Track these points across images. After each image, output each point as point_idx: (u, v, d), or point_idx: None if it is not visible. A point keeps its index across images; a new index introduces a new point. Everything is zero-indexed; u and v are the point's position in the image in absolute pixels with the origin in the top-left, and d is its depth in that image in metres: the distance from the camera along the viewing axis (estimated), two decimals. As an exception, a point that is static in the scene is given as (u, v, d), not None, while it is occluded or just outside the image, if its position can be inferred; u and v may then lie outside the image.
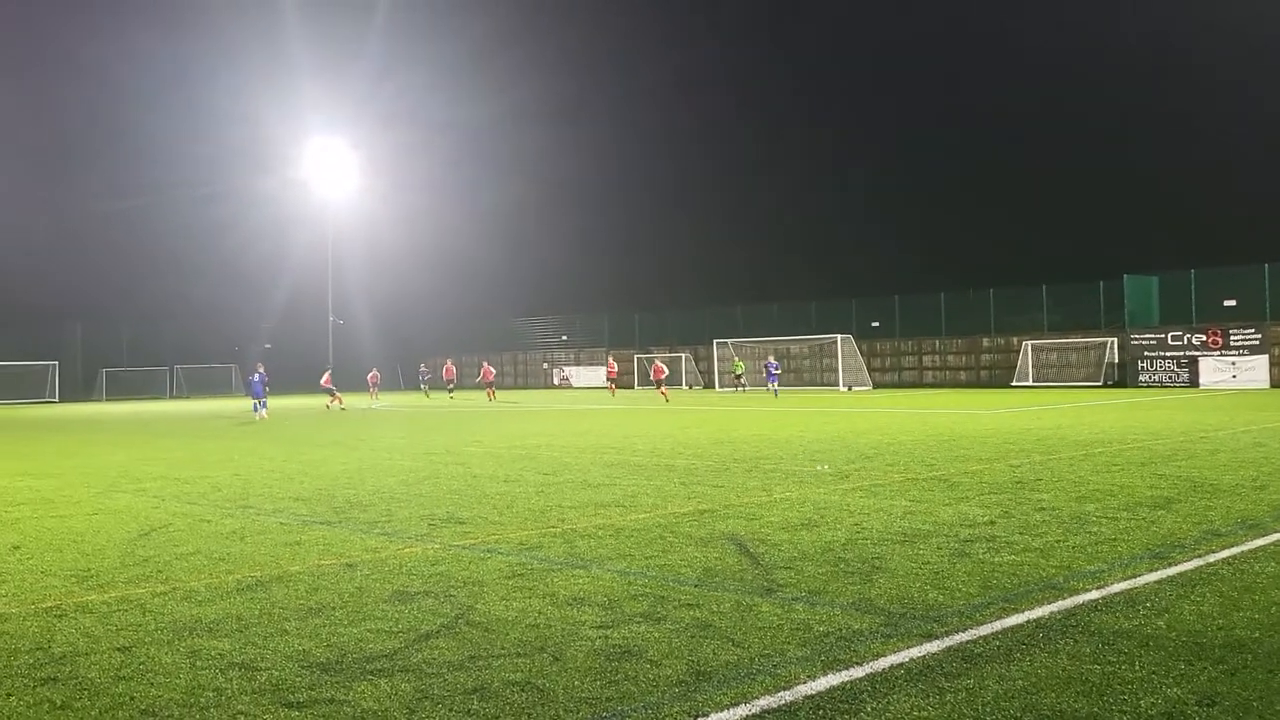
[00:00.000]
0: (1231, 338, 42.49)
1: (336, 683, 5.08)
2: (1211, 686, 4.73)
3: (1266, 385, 40.85)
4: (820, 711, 4.53)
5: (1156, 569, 7.11)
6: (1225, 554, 7.57)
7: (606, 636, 5.76)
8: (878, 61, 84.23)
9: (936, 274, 58.77)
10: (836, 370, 51.80)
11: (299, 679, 5.16)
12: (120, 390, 65.12)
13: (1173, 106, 65.94)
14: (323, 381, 42.10)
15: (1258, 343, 41.84)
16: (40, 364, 63.55)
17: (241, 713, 4.71)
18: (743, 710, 4.56)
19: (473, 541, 8.82)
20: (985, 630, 5.69)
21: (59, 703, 4.89)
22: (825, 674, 5.00)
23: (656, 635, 5.75)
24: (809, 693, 4.75)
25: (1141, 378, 44.42)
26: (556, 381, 67.32)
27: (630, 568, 7.59)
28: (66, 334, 67.33)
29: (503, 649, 5.57)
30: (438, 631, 5.95)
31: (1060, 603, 6.25)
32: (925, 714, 4.46)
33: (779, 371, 46.46)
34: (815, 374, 54.75)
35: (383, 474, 14.44)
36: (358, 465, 15.89)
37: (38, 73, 79.58)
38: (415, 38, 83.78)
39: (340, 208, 58.76)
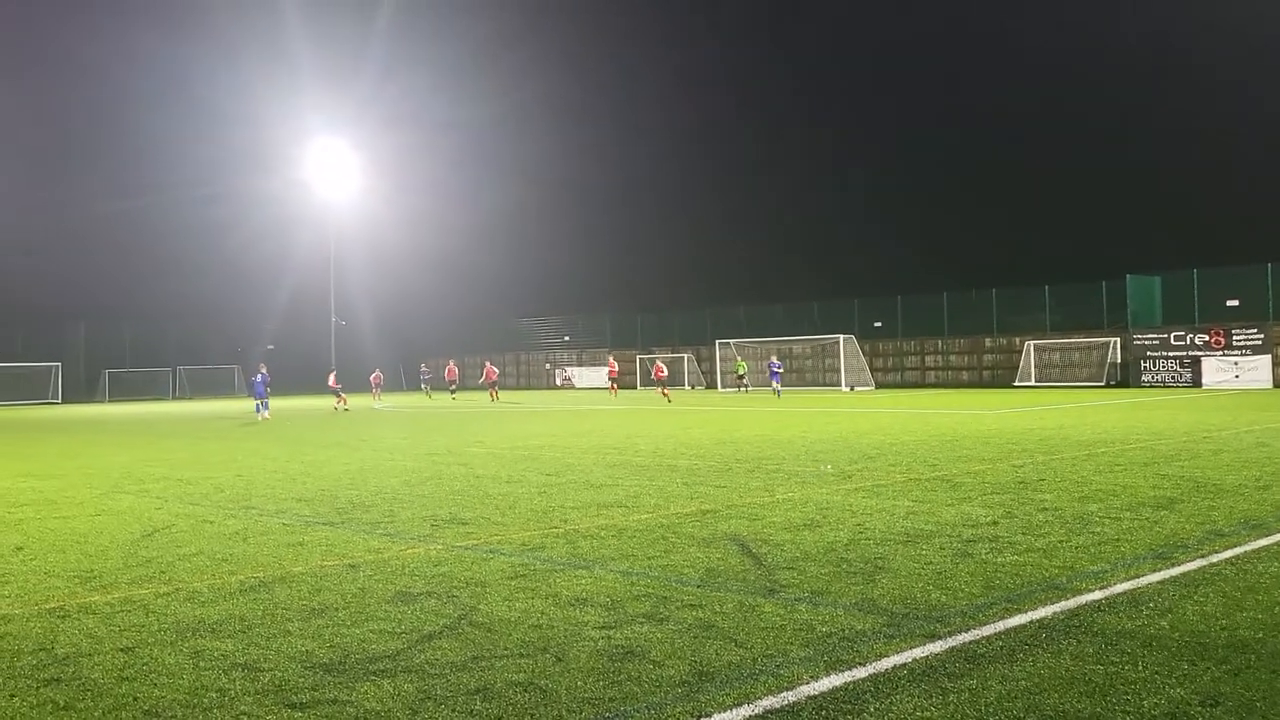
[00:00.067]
0: (1234, 338, 42.44)
1: (339, 683, 5.09)
2: (1215, 687, 4.73)
3: (1269, 385, 40.79)
4: (823, 712, 4.53)
5: (1159, 569, 7.10)
6: (1228, 554, 7.56)
7: (609, 637, 5.76)
8: (878, 61, 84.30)
9: (939, 274, 58.79)
10: (839, 370, 51.78)
11: (302, 679, 5.16)
12: (123, 391, 65.18)
13: (1173, 106, 65.96)
14: (330, 382, 42.02)
15: (1260, 343, 41.79)
16: (43, 365, 63.63)
17: (244, 713, 4.71)
18: (746, 710, 4.56)
19: (475, 542, 8.82)
20: (988, 630, 5.68)
21: (62, 703, 4.89)
22: (828, 674, 5.00)
23: (659, 636, 5.75)
24: (812, 693, 4.75)
25: (1144, 378, 44.37)
26: (559, 382, 67.32)
27: (633, 568, 7.59)
28: (69, 335, 67.42)
29: (505, 649, 5.57)
30: (440, 632, 5.96)
31: (1063, 603, 6.24)
32: (928, 714, 4.46)
33: (781, 370, 46.41)
34: (818, 374, 54.72)
35: (385, 475, 14.45)
36: (360, 466, 15.90)
37: (39, 73, 79.72)
38: (417, 39, 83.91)
39: (342, 208, 58.81)
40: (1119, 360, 46.16)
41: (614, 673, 5.13)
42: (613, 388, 49.48)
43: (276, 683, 5.12)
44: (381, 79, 74.93)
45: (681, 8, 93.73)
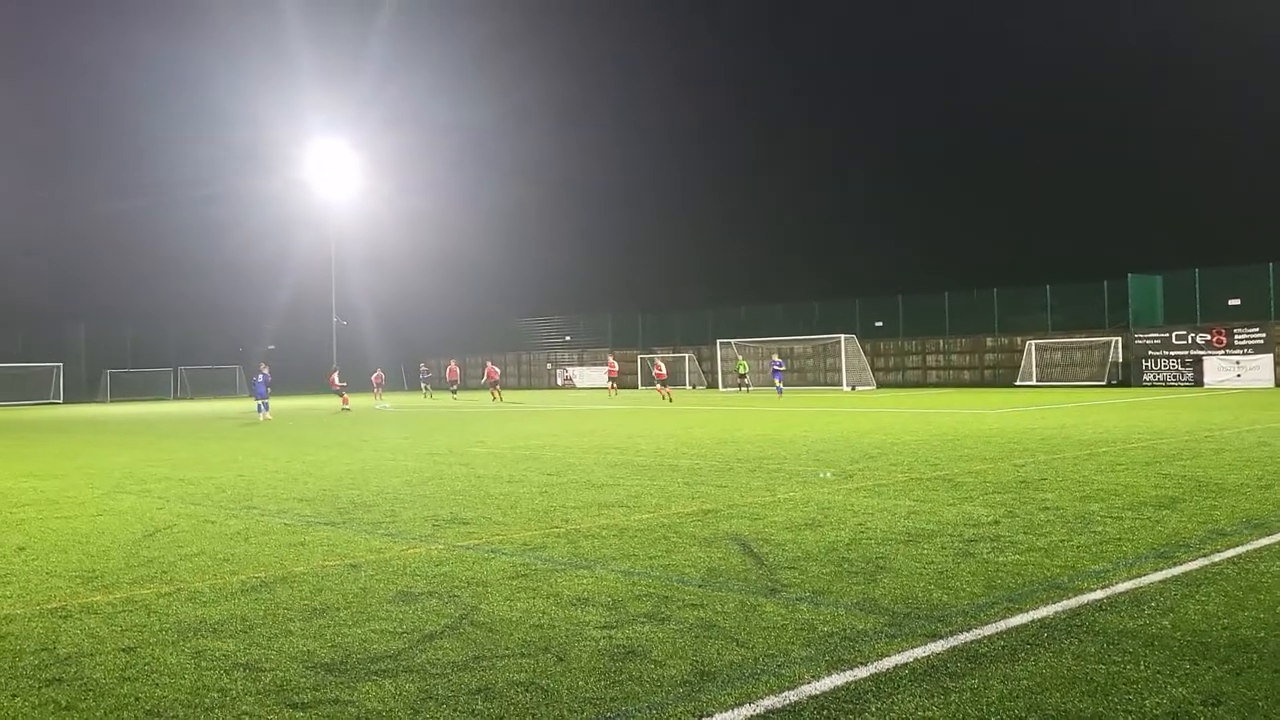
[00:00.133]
0: (1236, 337, 42.41)
1: (341, 683, 5.09)
2: (1217, 686, 4.72)
3: (1271, 384, 40.77)
4: (825, 712, 4.53)
5: (1161, 568, 7.10)
6: (1230, 553, 7.55)
7: (611, 637, 5.76)
8: (878, 61, 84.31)
9: (940, 274, 58.79)
10: (840, 370, 51.76)
11: (303, 679, 5.16)
12: (124, 391, 65.22)
13: (1173, 106, 65.96)
14: (334, 381, 41.88)
15: (1262, 342, 41.76)
16: (44, 365, 63.68)
17: (246, 713, 4.71)
18: (747, 710, 4.56)
19: (476, 542, 8.82)
20: (990, 630, 5.68)
21: (64, 703, 4.89)
22: (830, 674, 5.00)
23: (661, 635, 5.75)
24: (813, 693, 4.75)
25: (1146, 377, 44.35)
26: (560, 382, 67.32)
27: (634, 568, 7.59)
28: (70, 335, 67.49)
29: (507, 649, 5.57)
30: (442, 632, 5.96)
31: (1065, 602, 6.24)
32: (930, 714, 4.46)
33: (783, 369, 46.35)
34: (819, 374, 54.72)
35: (386, 475, 14.45)
36: (361, 466, 15.91)
37: (40, 73, 79.78)
38: (418, 39, 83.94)
39: (343, 209, 58.80)
40: (1120, 360, 46.13)
41: (615, 672, 5.13)
42: (612, 388, 49.44)
43: (278, 683, 5.12)
44: (382, 79, 75.05)
45: (681, 8, 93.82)
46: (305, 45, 76.29)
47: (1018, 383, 48.39)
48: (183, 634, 6.06)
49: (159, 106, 76.78)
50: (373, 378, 48.45)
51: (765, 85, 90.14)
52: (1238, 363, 42.05)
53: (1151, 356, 44.39)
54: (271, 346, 67.10)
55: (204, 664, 5.45)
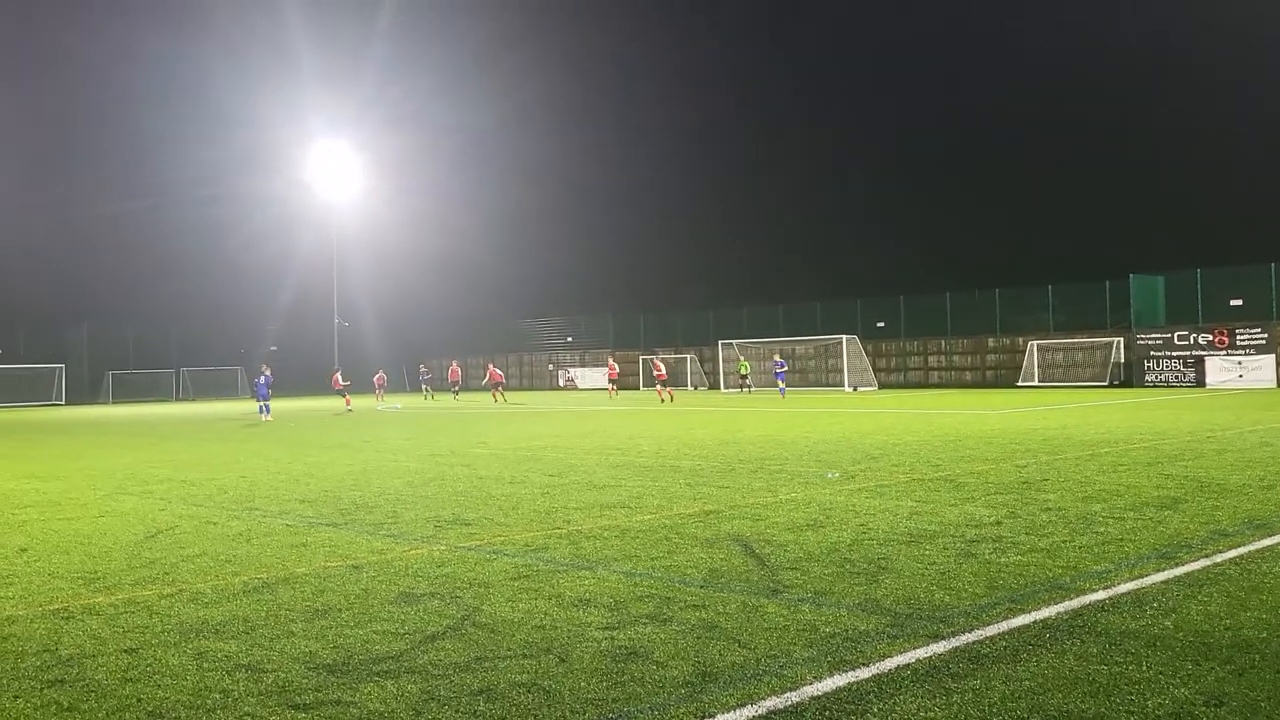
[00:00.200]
0: (1238, 337, 42.39)
1: (343, 684, 5.09)
2: (1219, 687, 4.72)
3: (1273, 385, 40.74)
4: (826, 712, 4.53)
5: (1163, 569, 7.09)
6: (1232, 554, 7.55)
7: (612, 638, 5.76)
8: (878, 61, 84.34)
9: (942, 274, 58.79)
10: (842, 371, 51.75)
11: (305, 680, 5.16)
12: (126, 393, 65.28)
13: (1173, 106, 65.94)
14: (336, 382, 41.84)
15: (1264, 342, 41.73)
16: (46, 367, 63.74)
17: (248, 714, 4.71)
18: (749, 711, 4.56)
19: (478, 543, 8.82)
20: (992, 631, 5.68)
21: (66, 704, 4.90)
22: (831, 675, 5.00)
23: (662, 636, 5.75)
24: (815, 694, 4.75)
25: (1147, 377, 44.33)
26: (562, 383, 67.34)
27: (636, 569, 7.59)
28: (72, 336, 67.56)
29: (509, 650, 5.57)
30: (444, 633, 5.96)
31: (1067, 603, 6.23)
32: (932, 715, 4.46)
33: (785, 369, 46.31)
34: (820, 375, 54.70)
35: (388, 476, 14.46)
36: (363, 467, 15.91)
37: (42, 74, 79.87)
38: (419, 41, 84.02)
39: (345, 210, 58.87)
40: (1122, 360, 46.11)
41: (617, 673, 5.13)
42: (612, 389, 49.41)
43: (280, 684, 5.12)
44: (383, 80, 75.20)
45: (681, 8, 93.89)
46: (307, 46, 76.40)
47: (1019, 383, 48.37)
48: (185, 635, 6.06)
49: (161, 107, 76.92)
50: (374, 379, 48.46)
51: (765, 85, 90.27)
52: (1240, 363, 42.02)
53: (1153, 357, 44.36)
54: (273, 347, 67.19)
55: (206, 665, 5.45)
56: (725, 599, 6.55)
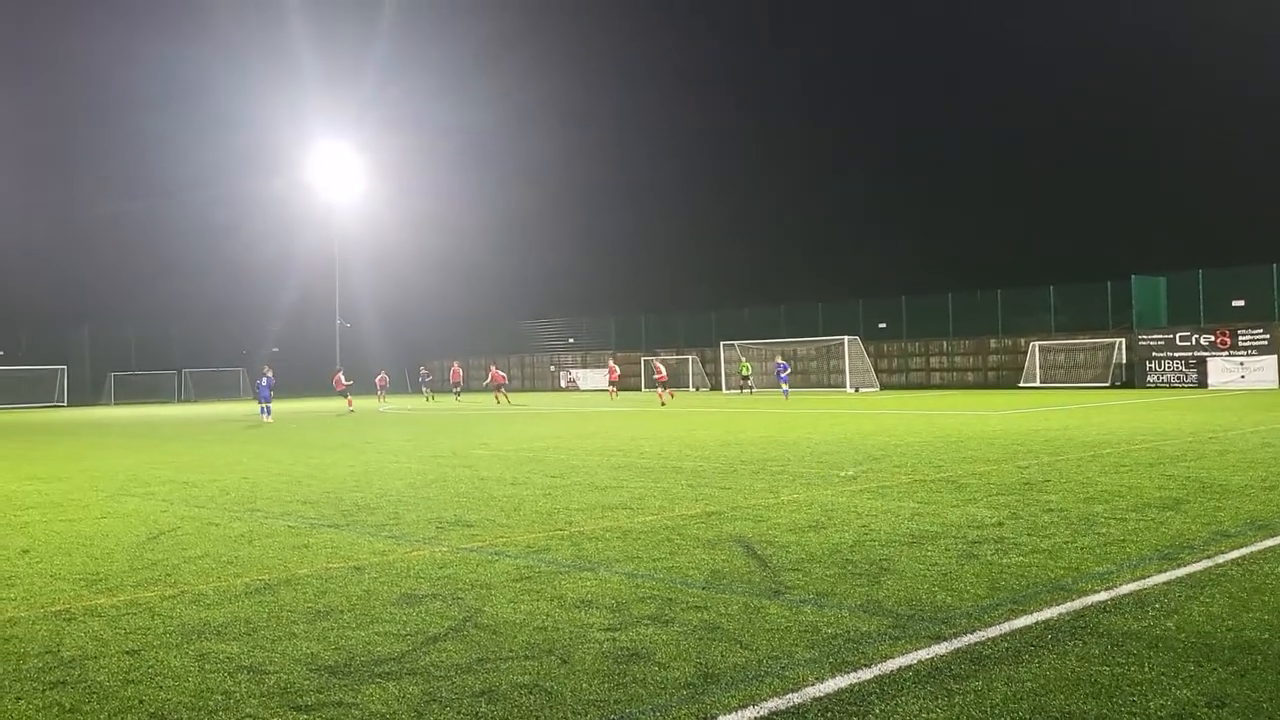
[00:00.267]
0: (1240, 338, 42.37)
1: (345, 685, 5.09)
2: (1221, 688, 4.72)
3: (1275, 385, 40.71)
4: (828, 713, 4.53)
5: (1165, 570, 7.09)
6: (1234, 555, 7.54)
7: (614, 639, 5.76)
8: (878, 61, 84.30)
9: (943, 275, 58.76)
10: (844, 372, 51.75)
11: (307, 682, 5.16)
12: (128, 394, 65.33)
13: (1174, 106, 65.91)
14: (339, 382, 41.81)
15: (1266, 343, 41.71)
16: (48, 368, 63.80)
17: (250, 715, 4.71)
18: (751, 712, 4.56)
19: (480, 544, 8.82)
20: (993, 632, 5.68)
21: (68, 706, 4.90)
22: (833, 676, 5.00)
23: (664, 637, 5.75)
24: (817, 695, 4.75)
25: (1149, 378, 44.30)
26: (564, 384, 67.34)
27: (638, 570, 7.59)
28: (74, 338, 67.62)
29: (510, 651, 5.57)
30: (445, 634, 5.96)
31: (1069, 604, 6.23)
32: (933, 716, 4.46)
33: (788, 371, 46.27)
34: (822, 375, 54.70)
35: (390, 477, 14.46)
36: (365, 468, 15.92)
37: (44, 76, 79.97)
38: (419, 42, 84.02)
39: (346, 211, 58.89)
40: (1124, 361, 46.10)
41: (619, 675, 5.13)
42: (612, 391, 49.39)
43: (282, 685, 5.12)
44: (384, 81, 75.23)
45: (681, 8, 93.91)
46: (308, 48, 76.37)
47: (1021, 384, 48.36)
48: (187, 636, 6.07)
49: (162, 108, 76.96)
50: (376, 380, 48.45)
51: (765, 85, 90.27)
52: (1242, 364, 41.99)
53: (1155, 358, 44.34)
54: (275, 349, 67.27)
55: (208, 666, 5.45)
56: (727, 600, 6.55)
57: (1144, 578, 6.87)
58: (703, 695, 4.80)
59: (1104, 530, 8.65)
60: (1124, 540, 8.19)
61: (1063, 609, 6.12)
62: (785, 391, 43.10)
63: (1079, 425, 21.29)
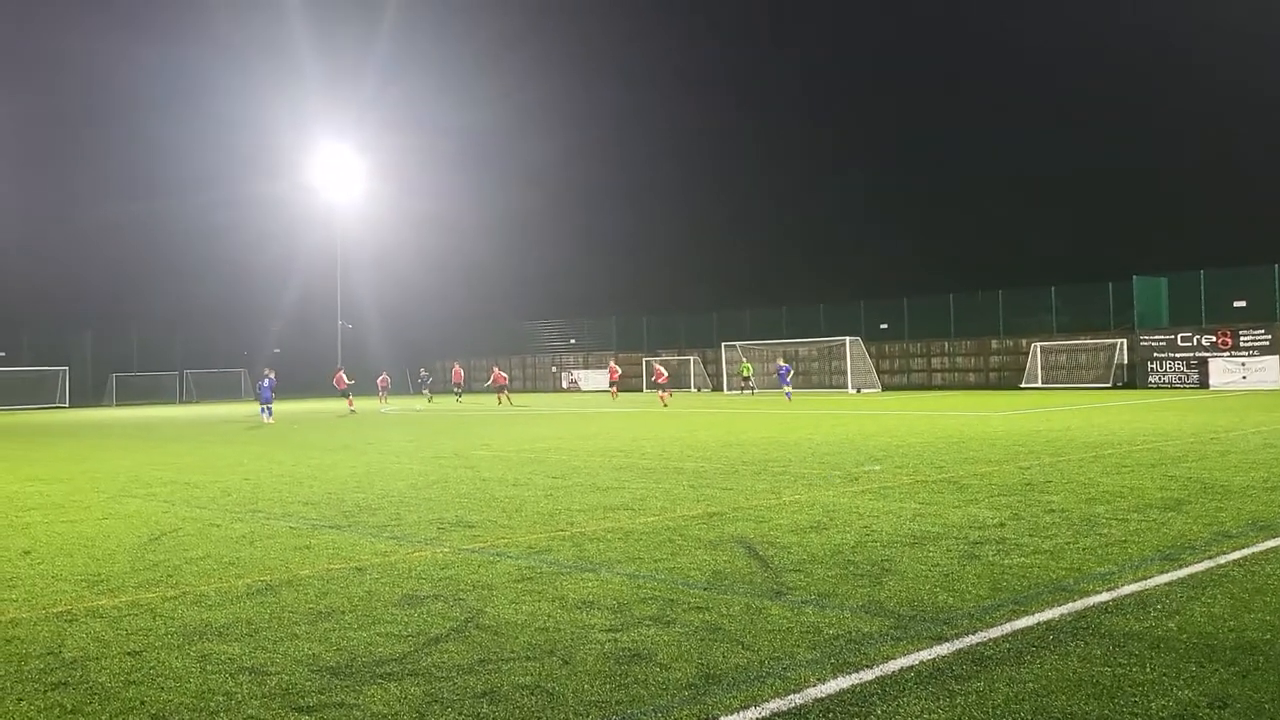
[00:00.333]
0: (1241, 338, 42.35)
1: (346, 686, 5.09)
2: (1223, 688, 4.71)
3: (1277, 386, 40.68)
4: (830, 714, 4.52)
5: (1167, 571, 7.08)
6: (1236, 555, 7.54)
7: (616, 639, 5.76)
8: (878, 61, 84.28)
9: (944, 275, 58.76)
10: (845, 372, 51.75)
11: (309, 683, 5.17)
12: (130, 395, 65.37)
13: (1174, 106, 65.88)
14: (340, 381, 41.79)
15: (1268, 343, 41.69)
16: (50, 369, 63.82)
17: (251, 716, 4.72)
18: (752, 713, 4.56)
19: (482, 545, 8.82)
20: (995, 633, 5.67)
21: (69, 707, 4.90)
22: (835, 677, 5.00)
23: (666, 638, 5.75)
24: (819, 695, 4.75)
25: (1151, 379, 44.29)
26: (565, 385, 67.35)
27: (639, 571, 7.58)
28: (76, 339, 67.66)
29: (512, 652, 5.57)
30: (447, 635, 5.96)
31: (1070, 605, 6.23)
32: (935, 716, 4.45)
33: (790, 373, 46.22)
34: (824, 376, 54.71)
35: (391, 478, 14.46)
36: (366, 469, 15.92)
37: (46, 78, 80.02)
38: (420, 43, 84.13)
39: (347, 212, 58.94)
40: (1126, 361, 46.09)
41: (621, 675, 5.13)
42: (613, 391, 49.38)
43: (283, 686, 5.13)
44: (384, 82, 75.21)
45: (681, 8, 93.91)
46: (309, 49, 76.42)
47: (1023, 385, 48.35)
48: (188, 637, 6.07)
49: (164, 111, 77.04)
50: (378, 381, 48.47)
51: (765, 85, 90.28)
52: (1243, 364, 41.97)
53: (1157, 358, 44.33)
54: (277, 350, 67.32)
55: (209, 667, 5.45)
56: (729, 601, 6.55)
57: (1146, 578, 6.87)
58: (704, 696, 4.80)
59: (1106, 531, 8.64)
60: (1126, 541, 8.19)
61: (1064, 610, 6.12)
62: (788, 394, 43.09)
63: (1080, 426, 21.28)
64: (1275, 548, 7.81)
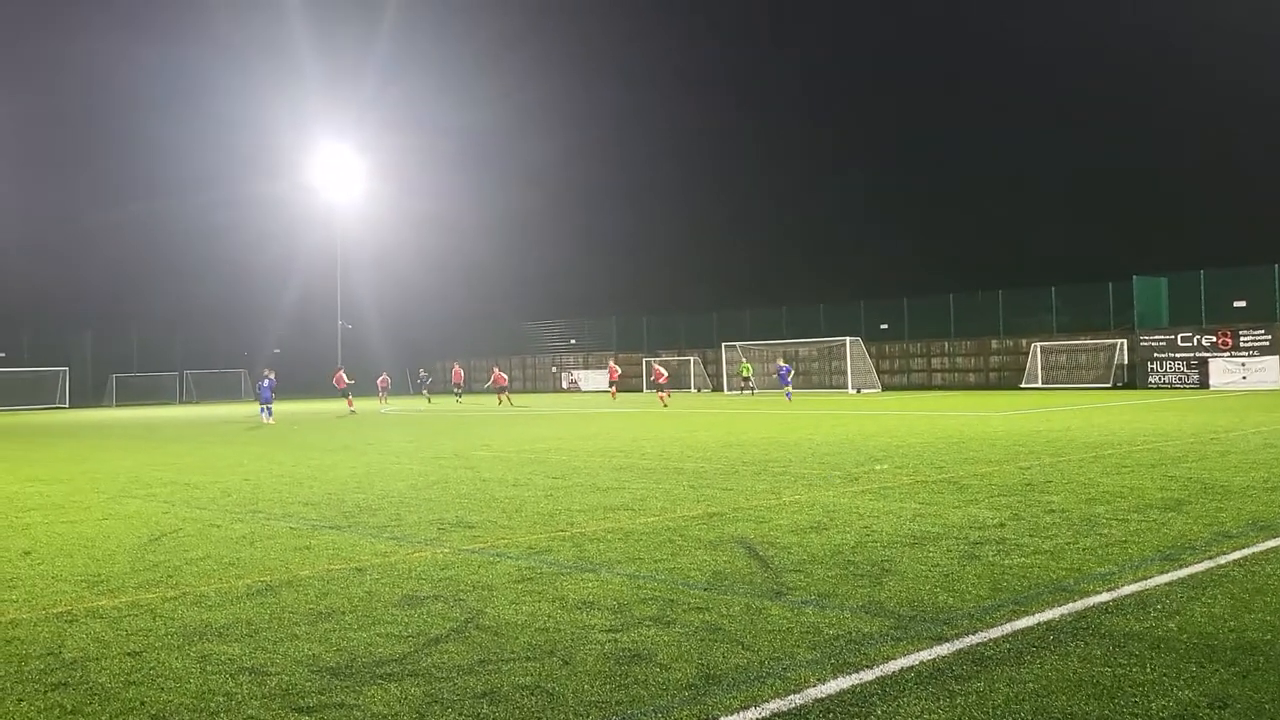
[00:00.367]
0: (1241, 339, 42.35)
1: (346, 687, 5.09)
2: (1223, 689, 4.71)
3: (1277, 386, 40.69)
4: (830, 715, 4.52)
5: (1167, 571, 7.08)
6: (1236, 555, 7.54)
7: (616, 640, 5.76)
8: (878, 61, 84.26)
9: (944, 276, 58.77)
10: (845, 373, 51.75)
11: (309, 683, 5.17)
12: (130, 395, 65.38)
13: (1174, 106, 65.87)
14: (340, 380, 41.77)
15: (1268, 343, 41.69)
16: (50, 370, 63.83)
17: (251, 717, 4.72)
18: (753, 713, 4.56)
19: (482, 545, 8.82)
20: (995, 633, 5.67)
21: (70, 708, 4.90)
22: (835, 677, 4.99)
23: (666, 639, 5.75)
24: (819, 696, 4.75)
25: (1151, 379, 44.28)
26: (565, 385, 67.34)
27: (639, 571, 7.58)
28: (76, 340, 67.66)
29: (512, 653, 5.57)
30: (447, 635, 5.96)
31: (1070, 605, 6.23)
32: (935, 717, 4.45)
33: (790, 374, 46.18)
34: (824, 376, 54.72)
35: (391, 478, 14.46)
36: (366, 470, 15.92)
37: (46, 79, 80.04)
38: (420, 43, 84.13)
39: (347, 212, 58.95)
40: (1126, 362, 46.09)
41: (621, 676, 5.13)
42: (612, 392, 49.38)
43: (284, 686, 5.13)
44: (384, 82, 75.24)
45: (681, 8, 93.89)
46: (309, 50, 76.44)
47: (1023, 385, 48.35)
48: (188, 638, 6.07)
49: (164, 112, 77.01)
50: (378, 381, 48.46)
51: (765, 85, 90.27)
52: (1243, 364, 41.97)
53: (1157, 358, 44.32)
54: (277, 350, 67.32)
55: (209, 668, 5.45)
56: (729, 601, 6.55)
57: (1146, 579, 6.87)
58: (704, 696, 4.80)
59: (1106, 531, 8.64)
60: (1126, 541, 8.19)
61: (1064, 610, 6.12)
62: (789, 394, 43.08)
63: (1080, 426, 21.28)
64: (1275, 548, 7.81)
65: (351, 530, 9.90)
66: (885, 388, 51.93)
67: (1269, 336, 41.70)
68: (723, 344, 57.12)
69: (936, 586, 6.80)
